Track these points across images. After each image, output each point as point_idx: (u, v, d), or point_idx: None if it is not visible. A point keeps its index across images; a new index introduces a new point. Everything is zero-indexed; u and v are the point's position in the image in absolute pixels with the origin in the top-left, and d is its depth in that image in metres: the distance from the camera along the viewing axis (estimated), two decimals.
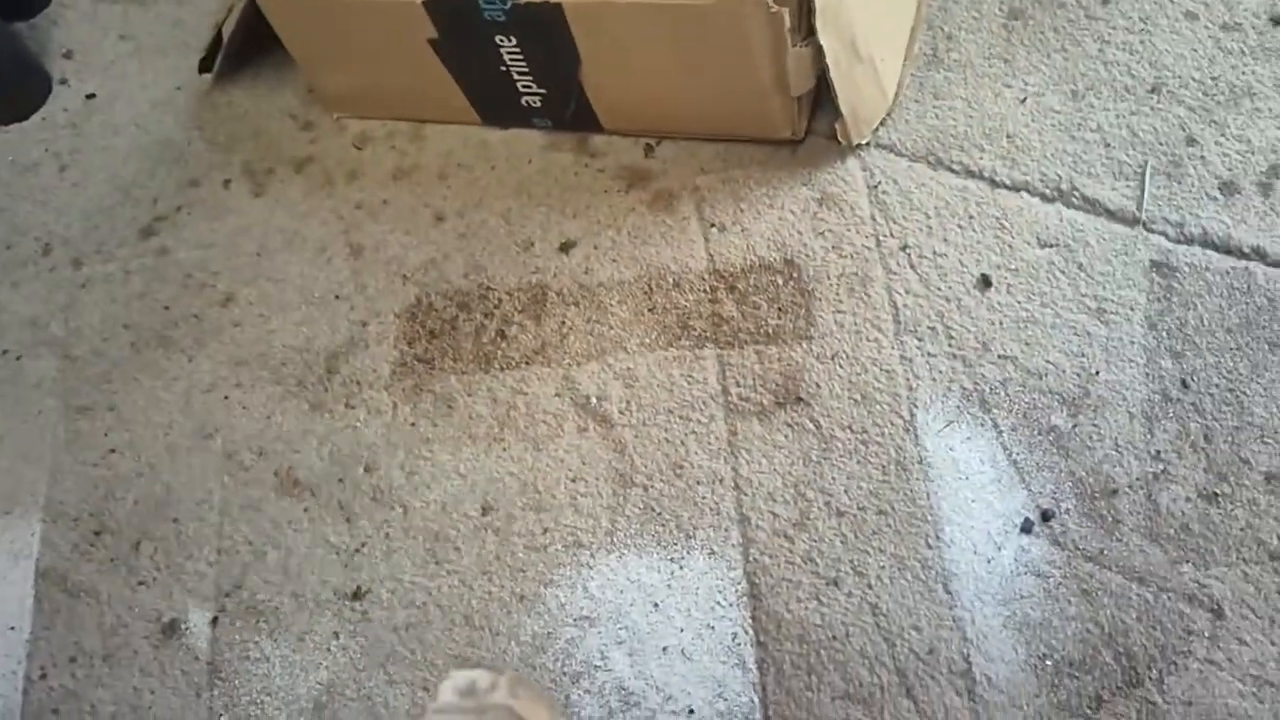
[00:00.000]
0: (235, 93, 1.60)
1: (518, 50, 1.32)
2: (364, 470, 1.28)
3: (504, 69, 1.35)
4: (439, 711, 0.96)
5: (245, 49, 1.58)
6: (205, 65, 1.57)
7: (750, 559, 1.17)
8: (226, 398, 1.35)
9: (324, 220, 1.46)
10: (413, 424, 1.30)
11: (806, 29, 1.23)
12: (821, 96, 1.38)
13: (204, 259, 1.46)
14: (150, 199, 1.53)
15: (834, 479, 1.20)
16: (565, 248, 1.39)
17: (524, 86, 1.38)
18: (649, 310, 1.33)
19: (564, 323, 1.34)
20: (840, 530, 1.17)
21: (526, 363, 1.32)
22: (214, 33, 1.52)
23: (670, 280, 1.34)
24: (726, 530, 1.19)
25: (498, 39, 1.30)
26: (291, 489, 1.28)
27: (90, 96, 1.65)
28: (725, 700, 1.11)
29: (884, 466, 1.20)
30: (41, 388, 1.40)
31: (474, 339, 1.35)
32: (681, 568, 1.18)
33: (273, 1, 1.37)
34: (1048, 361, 1.22)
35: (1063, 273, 1.27)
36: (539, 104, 1.41)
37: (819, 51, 1.25)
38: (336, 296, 1.40)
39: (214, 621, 1.23)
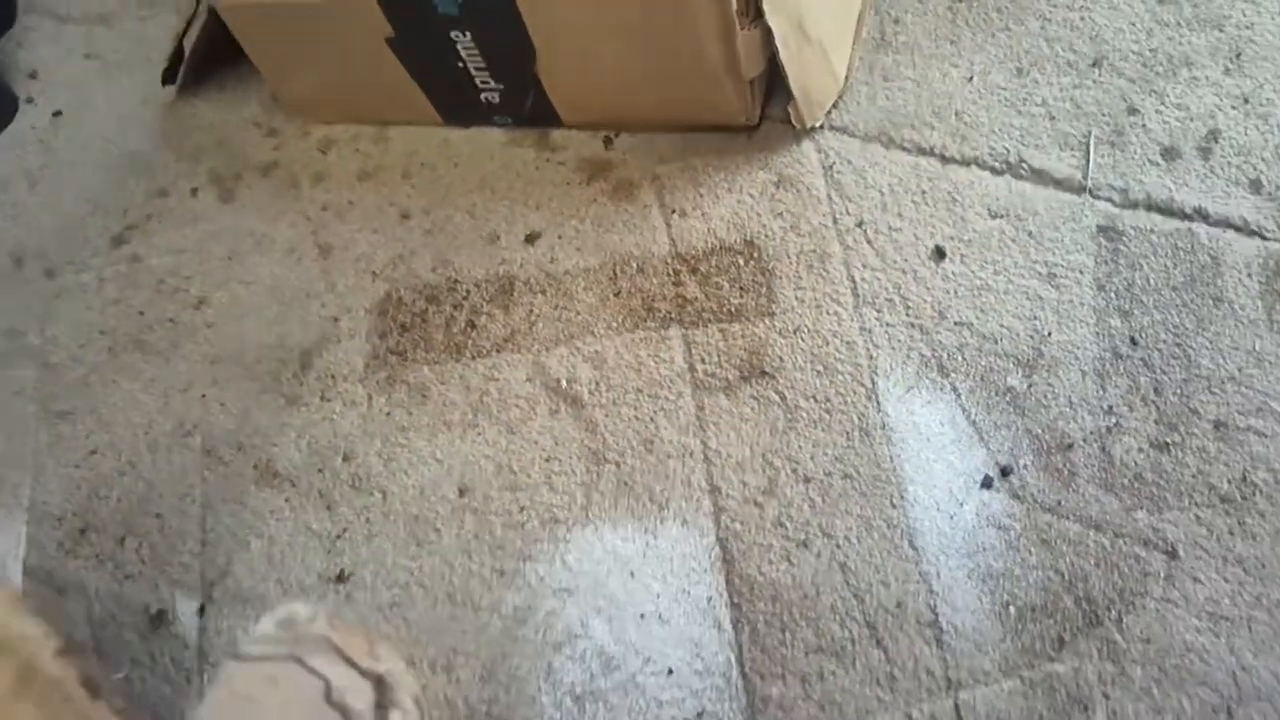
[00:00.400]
0: (200, 104, 1.63)
1: (473, 45, 1.35)
2: (342, 459, 1.31)
3: (461, 65, 1.39)
4: (257, 641, 0.99)
5: (208, 61, 1.62)
6: (168, 77, 1.60)
7: (722, 526, 1.20)
8: (204, 396, 1.38)
9: (292, 223, 1.50)
10: (388, 414, 1.33)
11: (754, 11, 1.27)
12: (774, 84, 1.42)
13: (176, 265, 1.49)
14: (120, 210, 1.56)
15: (800, 447, 1.23)
16: (530, 239, 1.42)
17: (482, 82, 1.42)
18: (614, 295, 1.36)
19: (532, 310, 1.37)
20: (808, 495, 1.20)
21: (497, 350, 1.35)
22: (175, 45, 1.55)
23: (634, 265, 1.38)
24: (698, 500, 1.22)
25: (453, 34, 1.34)
26: (271, 480, 1.31)
27: (57, 114, 1.68)
28: (703, 660, 1.15)
29: (848, 433, 1.23)
30: (22, 395, 1.43)
31: (444, 330, 1.38)
32: (656, 538, 1.21)
33: (232, 10, 1.40)
34: (1002, 326, 1.26)
35: (1013, 241, 1.31)
36: (498, 100, 1.45)
37: (768, 34, 1.29)
38: (308, 295, 1.43)
39: (201, 610, 1.25)
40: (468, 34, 1.33)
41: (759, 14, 1.26)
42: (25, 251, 1.54)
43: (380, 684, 1.00)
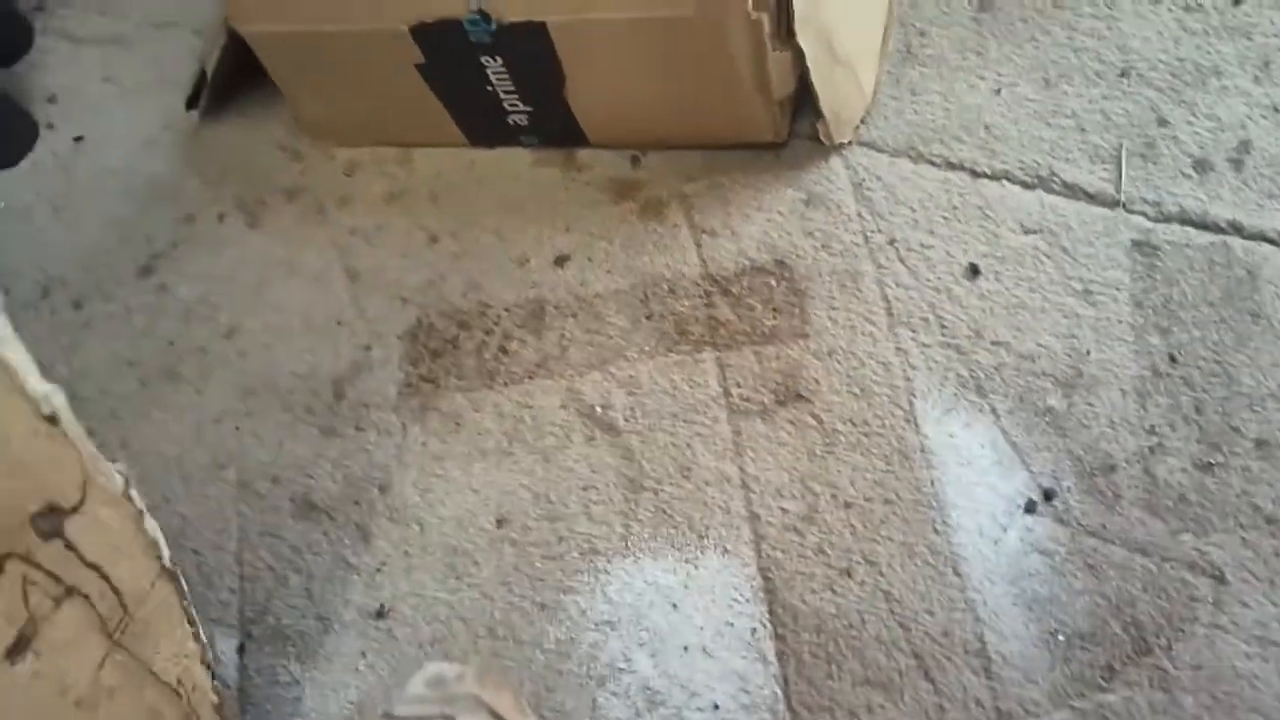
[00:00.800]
0: (223, 128, 1.63)
1: (504, 70, 1.34)
2: (378, 491, 1.31)
3: (490, 89, 1.38)
4: (408, 701, 0.99)
5: (230, 84, 1.61)
6: (192, 103, 1.59)
7: (763, 554, 1.20)
8: (237, 427, 1.38)
9: (320, 248, 1.49)
10: (423, 443, 1.33)
11: (786, 33, 1.26)
12: (801, 99, 1.41)
13: (204, 293, 1.49)
14: (146, 237, 1.55)
15: (839, 472, 1.23)
16: (560, 261, 1.41)
17: (510, 105, 1.41)
18: (646, 318, 1.36)
19: (564, 335, 1.37)
20: (849, 521, 1.20)
21: (530, 376, 1.35)
22: (198, 70, 1.54)
23: (665, 287, 1.37)
24: (738, 528, 1.22)
25: (483, 60, 1.33)
26: (308, 513, 1.31)
27: (78, 139, 1.67)
28: (748, 694, 1.14)
29: (887, 457, 1.23)
30: None
31: (476, 356, 1.37)
32: (697, 567, 1.21)
33: (259, 36, 1.39)
34: (1039, 345, 1.25)
35: (1048, 257, 1.30)
36: (525, 122, 1.44)
37: (799, 55, 1.28)
38: (338, 322, 1.43)
39: (241, 649, 1.25)
40: (498, 59, 1.32)
41: (790, 35, 1.26)
42: (51, 281, 1.53)
43: None
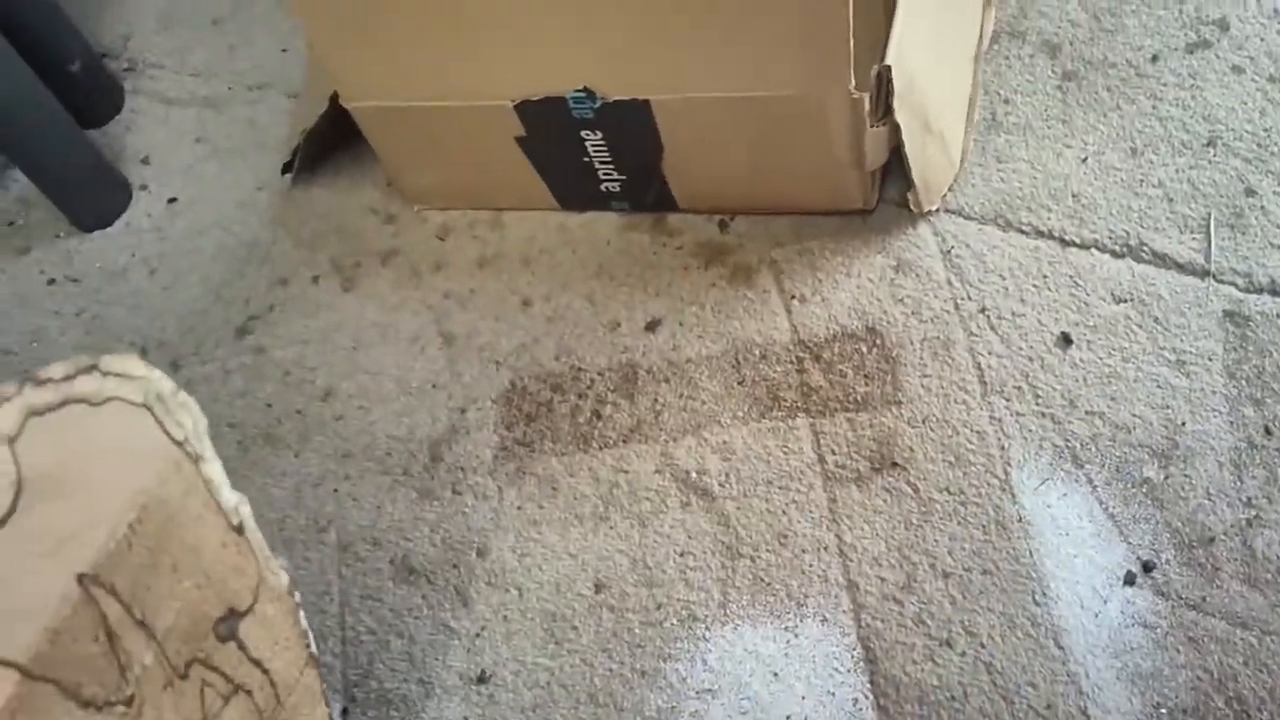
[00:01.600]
0: (316, 190, 1.66)
1: (602, 143, 1.37)
2: (476, 554, 1.33)
3: (587, 159, 1.41)
4: None
5: (322, 147, 1.64)
6: (288, 166, 1.62)
7: (862, 624, 1.21)
8: (336, 490, 1.40)
9: (414, 311, 1.51)
10: (519, 507, 1.35)
11: (883, 110, 1.28)
12: (890, 165, 1.43)
13: (300, 355, 1.51)
14: (242, 299, 1.58)
15: (936, 541, 1.24)
16: (651, 326, 1.43)
17: (604, 174, 1.44)
18: (739, 383, 1.38)
19: (657, 400, 1.38)
20: (948, 591, 1.21)
21: (624, 441, 1.37)
22: (298, 136, 1.57)
23: (757, 353, 1.39)
24: (836, 596, 1.23)
25: (583, 134, 1.36)
26: (408, 576, 1.33)
27: (172, 200, 1.70)
28: None
29: (984, 526, 1.24)
30: None
31: (570, 420, 1.39)
32: (796, 636, 1.22)
33: (365, 110, 1.42)
34: (1134, 415, 1.26)
35: (1140, 327, 1.31)
36: (618, 189, 1.46)
37: (894, 129, 1.30)
38: (433, 385, 1.45)
39: (345, 713, 1.27)
40: (599, 133, 1.35)
41: (888, 112, 1.27)
42: (149, 342, 1.56)
43: None
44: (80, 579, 0.80)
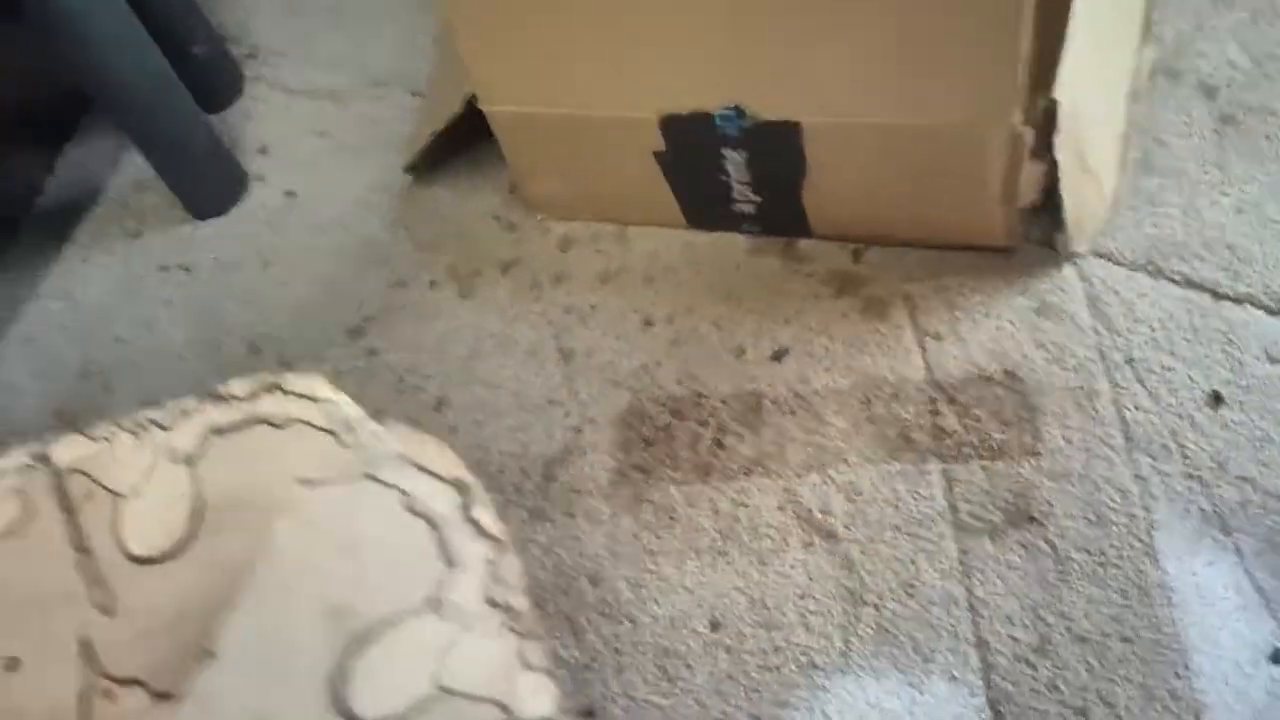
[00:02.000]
0: (437, 192, 1.62)
1: (743, 164, 1.33)
2: (589, 582, 1.29)
3: (724, 178, 1.37)
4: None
5: (444, 149, 1.60)
6: (411, 167, 1.59)
7: (992, 685, 1.16)
8: None
9: (533, 324, 1.48)
10: (635, 535, 1.31)
11: (1041, 146, 1.23)
12: (1036, 202, 1.37)
13: (414, 362, 1.48)
14: (357, 300, 1.55)
15: (1073, 603, 1.18)
16: (778, 355, 1.39)
17: (740, 195, 1.39)
18: (868, 421, 1.33)
19: (781, 433, 1.34)
20: (1084, 657, 1.16)
21: (746, 473, 1.32)
22: (428, 136, 1.54)
23: (888, 390, 1.34)
24: (965, 654, 1.18)
25: (725, 152, 1.32)
26: None
27: (290, 193, 1.68)
28: None
29: (1124, 591, 1.18)
30: None
31: (690, 448, 1.35)
32: (922, 693, 1.17)
33: (502, 114, 1.39)
34: None
35: None
36: (751, 210, 1.42)
37: (1052, 166, 1.25)
38: (550, 401, 1.41)
39: None
40: (741, 153, 1.31)
41: (1046, 148, 1.22)
42: (261, 339, 1.53)
43: (463, 487, 0.97)
44: None
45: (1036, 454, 1.27)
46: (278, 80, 1.82)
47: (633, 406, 1.39)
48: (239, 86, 1.82)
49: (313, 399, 0.84)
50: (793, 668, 1.21)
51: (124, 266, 1.66)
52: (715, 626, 1.24)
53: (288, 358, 1.52)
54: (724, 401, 1.37)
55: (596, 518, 1.33)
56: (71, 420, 1.51)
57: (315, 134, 1.74)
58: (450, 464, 0.98)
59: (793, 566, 1.26)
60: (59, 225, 1.72)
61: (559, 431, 1.39)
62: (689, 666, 1.23)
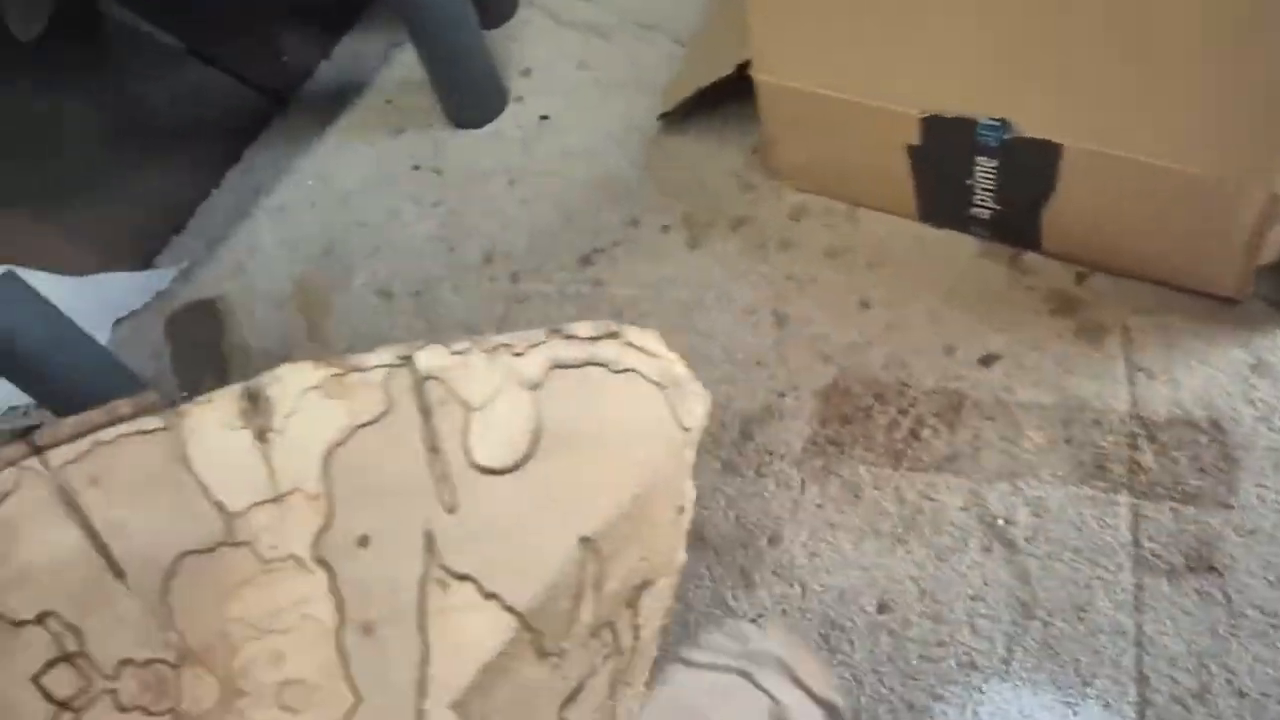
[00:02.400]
0: (685, 141, 1.67)
1: (993, 173, 1.35)
2: (767, 541, 1.34)
3: (969, 182, 1.39)
4: (705, 649, 1.00)
5: (698, 103, 1.65)
6: (666, 115, 1.64)
7: None
8: None
9: (754, 284, 1.52)
10: (819, 505, 1.35)
11: None
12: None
13: (635, 298, 1.54)
14: (592, 230, 1.61)
15: (1239, 658, 1.20)
16: (987, 360, 1.41)
17: (980, 200, 1.42)
18: (1065, 442, 1.35)
19: (978, 435, 1.37)
20: (1240, 712, 1.18)
21: (936, 469, 1.35)
22: (692, 94, 1.59)
23: (1090, 416, 1.36)
24: (1124, 685, 1.21)
25: (978, 158, 1.34)
26: (697, 544, 1.35)
27: (544, 118, 1.74)
28: None
29: None
30: None
31: (886, 433, 1.39)
32: (1075, 714, 1.20)
33: (771, 85, 1.43)
34: None
35: None
36: (986, 216, 1.44)
37: None
38: (758, 363, 1.46)
39: None
40: (994, 162, 1.33)
41: None
42: (495, 251, 1.61)
43: (833, 712, 1.02)
44: (583, 541, 0.84)
45: (1229, 506, 1.28)
46: (548, 8, 1.89)
47: (837, 382, 1.44)
48: (512, 8, 1.88)
49: (649, 353, 0.90)
50: (953, 663, 1.25)
51: (379, 158, 1.74)
52: (883, 609, 1.29)
53: (517, 273, 1.58)
54: (927, 394, 1.41)
55: (785, 482, 1.38)
56: (309, 290, 1.60)
57: (577, 65, 1.80)
58: (824, 684, 1.04)
59: (969, 567, 1.29)
60: (325, 109, 1.81)
61: (762, 393, 1.44)
62: (851, 642, 1.28)
